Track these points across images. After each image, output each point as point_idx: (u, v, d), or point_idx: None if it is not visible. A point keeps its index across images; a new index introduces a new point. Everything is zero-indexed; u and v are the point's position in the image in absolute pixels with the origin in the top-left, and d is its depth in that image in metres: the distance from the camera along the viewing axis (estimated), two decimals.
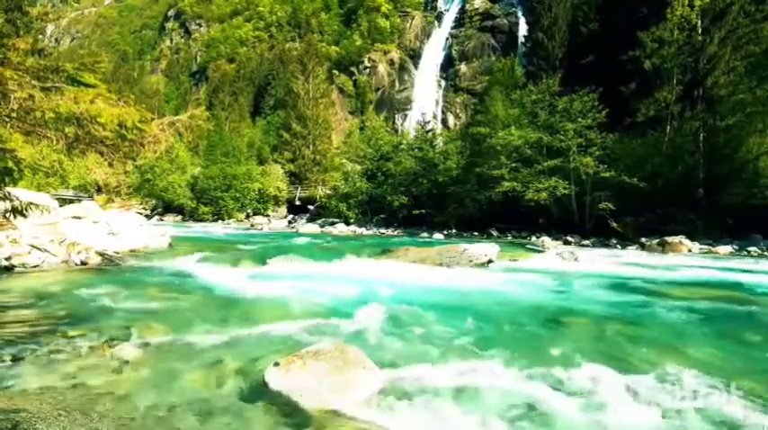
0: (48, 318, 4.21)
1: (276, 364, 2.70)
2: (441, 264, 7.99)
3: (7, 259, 6.74)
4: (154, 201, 35.01)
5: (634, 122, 16.75)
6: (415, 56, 55.79)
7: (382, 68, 54.92)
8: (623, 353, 3.48)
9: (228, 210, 31.52)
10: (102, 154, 4.72)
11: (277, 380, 2.59)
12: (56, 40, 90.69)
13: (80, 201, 16.34)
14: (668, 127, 16.22)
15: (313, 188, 33.44)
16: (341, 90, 54.81)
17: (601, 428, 2.30)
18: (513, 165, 17.15)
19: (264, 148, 42.24)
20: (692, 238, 12.88)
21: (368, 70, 55.41)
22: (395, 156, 25.07)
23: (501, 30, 50.09)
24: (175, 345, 3.43)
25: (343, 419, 2.31)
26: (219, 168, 32.11)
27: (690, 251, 12.06)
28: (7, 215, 5.10)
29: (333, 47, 58.02)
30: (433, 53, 54.28)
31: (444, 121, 48.43)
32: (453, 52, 51.79)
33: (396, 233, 20.55)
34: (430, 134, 26.45)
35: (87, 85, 4.71)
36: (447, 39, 53.97)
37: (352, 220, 24.68)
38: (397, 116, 52.21)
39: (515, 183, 16.45)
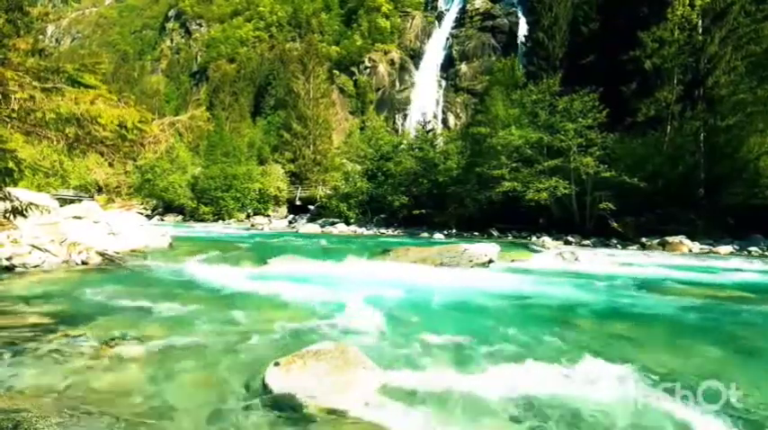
0: (48, 317, 4.21)
1: (277, 364, 2.70)
2: (441, 264, 7.99)
3: (8, 259, 6.75)
4: (154, 202, 35.00)
5: (634, 122, 16.74)
6: (415, 56, 55.70)
7: (383, 68, 54.88)
8: (624, 352, 3.47)
9: (229, 210, 31.51)
10: (102, 154, 4.72)
11: (277, 379, 2.59)
12: (56, 40, 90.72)
13: (81, 201, 16.33)
14: (669, 127, 16.21)
15: (313, 188, 33.42)
16: (341, 90, 54.76)
17: (601, 427, 2.30)
18: (514, 165, 17.13)
19: (265, 148, 42.18)
20: (692, 238, 12.88)
21: (368, 70, 55.35)
22: (395, 156, 25.07)
23: (501, 30, 50.00)
24: (176, 345, 3.43)
25: (344, 419, 2.31)
26: (220, 168, 32.10)
27: (690, 251, 12.06)
28: (8, 215, 5.11)
29: (333, 47, 57.96)
30: (434, 53, 54.16)
31: (445, 121, 48.36)
32: (454, 52, 51.70)
33: (396, 233, 20.54)
34: (430, 134, 26.44)
35: (88, 86, 4.72)
36: (447, 39, 53.86)
37: (352, 220, 24.67)
38: (397, 116, 52.15)
39: (516, 183, 16.43)
